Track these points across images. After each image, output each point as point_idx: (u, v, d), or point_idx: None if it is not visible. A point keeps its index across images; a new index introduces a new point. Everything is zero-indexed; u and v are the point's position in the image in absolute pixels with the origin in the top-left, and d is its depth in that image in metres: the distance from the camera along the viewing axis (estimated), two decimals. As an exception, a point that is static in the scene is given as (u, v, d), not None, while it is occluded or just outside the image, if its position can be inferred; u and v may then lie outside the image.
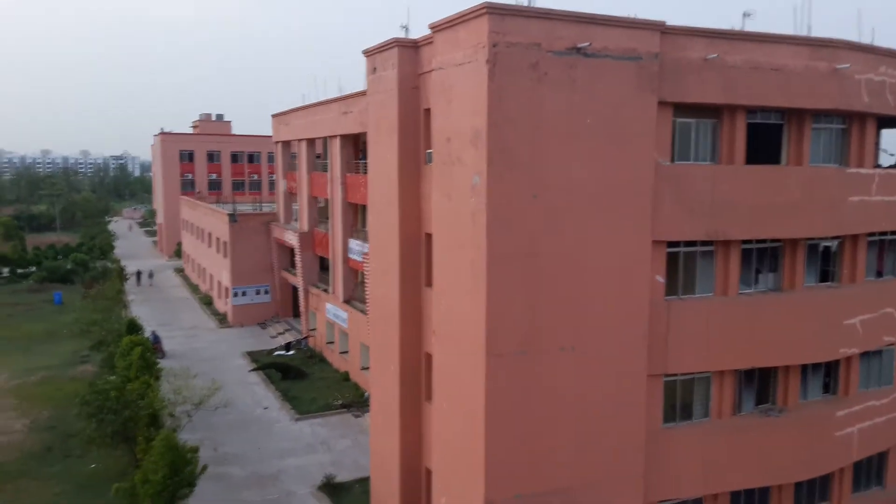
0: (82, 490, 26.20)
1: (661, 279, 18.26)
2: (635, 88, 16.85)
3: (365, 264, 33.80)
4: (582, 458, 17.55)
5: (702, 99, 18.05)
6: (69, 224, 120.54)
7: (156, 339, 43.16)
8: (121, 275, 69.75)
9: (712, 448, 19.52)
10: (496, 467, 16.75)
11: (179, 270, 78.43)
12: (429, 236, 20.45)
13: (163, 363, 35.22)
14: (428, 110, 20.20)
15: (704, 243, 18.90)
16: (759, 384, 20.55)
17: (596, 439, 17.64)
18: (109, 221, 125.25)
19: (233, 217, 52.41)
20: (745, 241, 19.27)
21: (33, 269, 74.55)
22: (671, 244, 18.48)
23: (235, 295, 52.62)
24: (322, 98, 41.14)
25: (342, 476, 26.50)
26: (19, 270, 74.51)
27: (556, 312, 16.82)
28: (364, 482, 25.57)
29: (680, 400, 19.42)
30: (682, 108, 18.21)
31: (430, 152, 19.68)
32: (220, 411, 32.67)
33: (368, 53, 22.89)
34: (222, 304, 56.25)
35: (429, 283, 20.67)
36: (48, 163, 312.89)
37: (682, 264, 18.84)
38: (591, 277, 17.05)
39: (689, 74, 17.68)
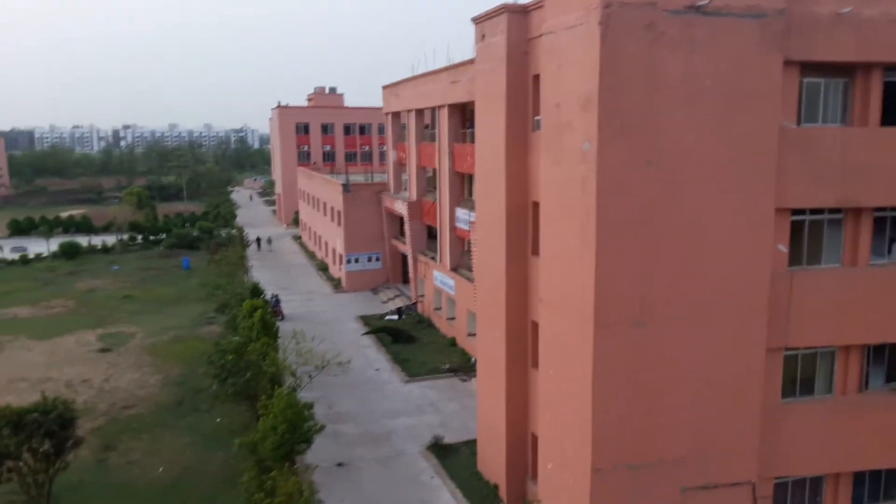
0: (208, 442, 28.22)
1: (783, 248, 17.34)
2: (759, 47, 15.91)
3: (471, 233, 34.09)
4: (694, 430, 17.13)
5: (833, 57, 16.82)
6: (195, 194, 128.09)
7: (276, 303, 45.44)
8: (242, 242, 73.74)
9: (835, 425, 18.51)
10: (604, 436, 16.66)
11: (297, 238, 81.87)
12: (536, 204, 20.33)
13: (281, 325, 37.03)
14: (537, 76, 19.94)
15: (832, 211, 17.74)
16: (890, 360, 19.23)
17: (709, 412, 17.15)
18: (231, 191, 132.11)
19: (346, 187, 54.03)
20: (877, 209, 17.94)
21: (164, 236, 79.96)
22: (796, 212, 17.47)
23: (349, 262, 54.46)
24: (431, 69, 41.43)
25: (450, 438, 27.14)
26: (151, 237, 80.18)
27: (670, 282, 16.36)
28: (471, 444, 26.09)
29: (801, 374, 18.49)
30: (809, 68, 17.04)
31: (539, 119, 19.47)
32: (334, 373, 34.13)
33: (477, 21, 22.79)
34: (336, 271, 58.38)
35: (535, 252, 20.60)
36: (175, 136, 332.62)
37: (806, 233, 17.79)
38: (707, 246, 16.43)
39: (819, 31, 16.49)
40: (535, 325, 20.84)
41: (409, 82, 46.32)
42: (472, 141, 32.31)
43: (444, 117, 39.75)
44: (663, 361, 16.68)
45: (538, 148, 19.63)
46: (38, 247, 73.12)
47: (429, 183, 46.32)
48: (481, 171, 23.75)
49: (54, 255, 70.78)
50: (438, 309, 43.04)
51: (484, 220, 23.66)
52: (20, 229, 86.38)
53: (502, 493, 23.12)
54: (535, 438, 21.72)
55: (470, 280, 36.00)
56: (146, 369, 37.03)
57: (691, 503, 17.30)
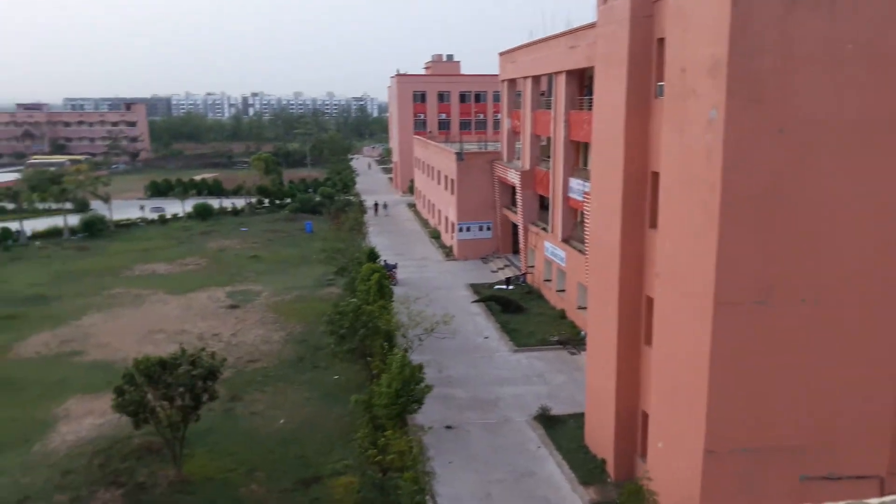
0: (326, 397, 29.59)
1: (930, 228, 15.90)
2: (913, 5, 14.48)
3: (585, 203, 33.40)
4: (818, 418, 16.23)
5: None
6: (318, 160, 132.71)
7: (390, 268, 46.64)
8: (361, 207, 75.99)
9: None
10: (719, 418, 16.09)
11: (411, 205, 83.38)
12: (655, 175, 19.63)
13: (396, 290, 37.99)
14: (661, 40, 19.10)
15: None
16: None
17: (837, 401, 16.17)
18: (351, 159, 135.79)
19: (460, 156, 54.27)
20: None
21: (288, 200, 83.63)
22: (947, 188, 15.93)
23: (461, 230, 54.93)
24: (549, 34, 40.57)
25: (557, 409, 27.09)
26: (277, 201, 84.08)
27: (799, 260, 15.43)
28: (578, 417, 25.94)
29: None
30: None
31: (662, 85, 18.69)
32: (445, 338, 34.77)
33: (599, -17, 22.02)
34: (448, 238, 59.07)
35: (653, 225, 19.94)
36: (300, 104, 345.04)
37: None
38: (843, 222, 15.33)
39: None
40: (650, 301, 20.27)
41: (526, 48, 45.61)
42: (590, 108, 31.53)
43: (560, 84, 38.95)
44: (787, 344, 15.83)
45: (660, 115, 18.89)
46: (175, 207, 78.44)
47: (542, 152, 45.71)
48: (598, 139, 23.16)
49: (189, 216, 75.74)
50: (548, 280, 42.71)
51: (599, 191, 23.13)
52: (158, 191, 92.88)
53: (609, 468, 22.90)
54: (645, 416, 21.29)
55: (582, 252, 35.42)
56: (270, 326, 39.15)
57: (810, 493, 16.45)
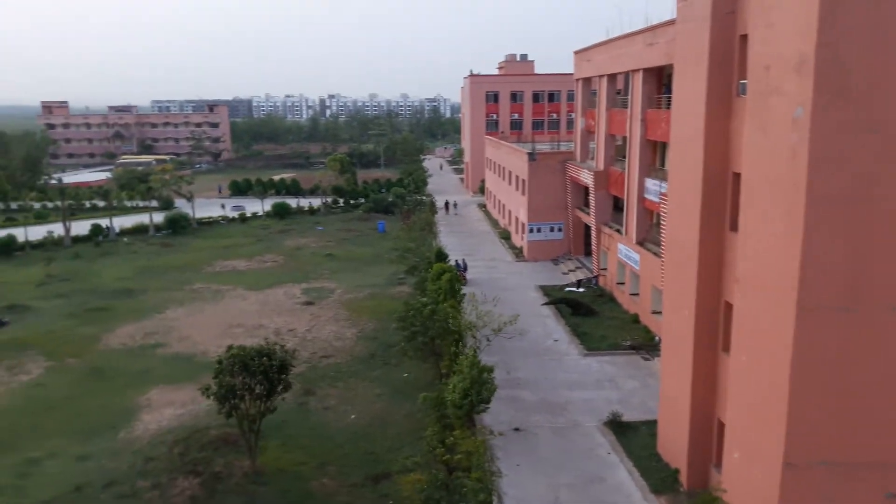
0: (396, 394, 29.89)
1: None
2: None
3: (662, 205, 32.56)
4: (910, 434, 15.30)
5: None
6: (391, 161, 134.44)
7: (459, 267, 46.75)
8: (432, 208, 76.52)
9: None
10: (799, 430, 15.40)
11: (482, 206, 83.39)
12: (736, 175, 18.95)
13: (465, 289, 38.02)
14: (744, 36, 18.43)
15: None
16: None
17: (931, 415, 15.21)
18: (423, 159, 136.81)
19: (531, 156, 53.90)
20: None
21: (362, 200, 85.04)
22: None
23: (531, 231, 54.54)
24: (626, 31, 39.80)
25: (629, 415, 26.52)
26: (351, 201, 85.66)
27: (889, 266, 14.60)
28: (651, 424, 25.32)
29: None
30: None
31: (744, 83, 18.04)
32: (513, 339, 34.58)
33: (679, -22, 21.43)
34: (518, 239, 58.76)
35: (733, 227, 19.26)
36: (374, 105, 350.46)
37: None
38: (939, 227, 14.41)
39: None
40: (729, 306, 19.59)
41: (602, 46, 44.88)
42: (668, 107, 30.77)
43: (637, 82, 38.14)
44: (875, 353, 15.01)
45: (742, 114, 18.23)
46: (254, 206, 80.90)
47: (617, 151, 44.88)
48: (677, 138, 22.54)
49: (267, 215, 77.99)
50: (621, 283, 41.88)
51: (677, 191, 22.52)
52: (239, 190, 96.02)
53: (682, 477, 22.25)
54: (721, 425, 20.58)
55: (657, 255, 34.57)
56: (343, 323, 39.86)
57: (902, 513, 15.57)
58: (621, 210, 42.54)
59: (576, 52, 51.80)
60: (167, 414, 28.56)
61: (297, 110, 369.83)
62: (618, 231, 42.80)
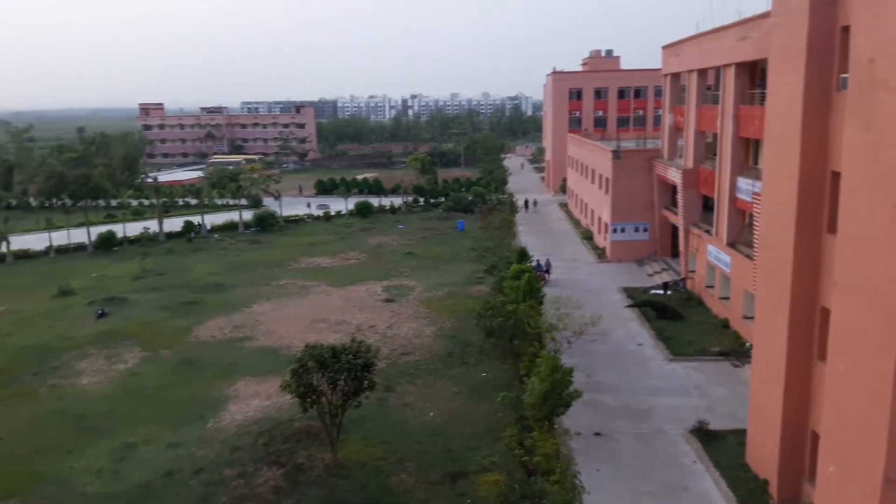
0: (474, 393, 29.84)
1: None
2: None
3: (755, 205, 31.20)
4: None
5: None
6: (471, 160, 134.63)
7: (539, 267, 46.23)
8: (512, 207, 76.08)
9: None
10: (905, 446, 14.38)
11: (563, 205, 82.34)
12: (836, 175, 17.91)
13: (545, 290, 37.58)
14: (846, 28, 17.40)
15: None
16: None
17: None
18: (504, 158, 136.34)
19: (616, 153, 52.77)
20: None
21: (442, 199, 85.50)
22: None
23: (614, 231, 53.40)
24: (718, 25, 38.39)
25: (716, 424, 25.55)
26: (431, 200, 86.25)
27: None
28: (739, 434, 24.31)
29: None
30: None
31: (845, 77, 17.00)
32: (594, 342, 33.94)
33: (776, -32, 20.44)
34: (601, 240, 57.66)
35: (831, 229, 18.23)
36: (455, 105, 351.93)
37: None
38: None
39: None
40: (825, 312, 18.55)
41: (692, 41, 43.45)
42: (762, 102, 29.47)
43: (729, 77, 36.71)
44: None
45: (842, 110, 17.21)
46: (338, 205, 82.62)
47: (707, 149, 43.35)
48: (772, 135, 21.53)
49: (350, 213, 79.55)
50: (710, 287, 40.42)
51: (771, 191, 21.50)
52: (324, 189, 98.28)
53: (772, 489, 21.26)
54: (815, 436, 19.53)
55: (749, 257, 33.17)
56: (422, 320, 40.15)
57: None
58: (711, 210, 41.08)
59: (664, 48, 50.37)
60: (253, 405, 29.51)
61: (380, 110, 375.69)
62: (707, 232, 41.34)
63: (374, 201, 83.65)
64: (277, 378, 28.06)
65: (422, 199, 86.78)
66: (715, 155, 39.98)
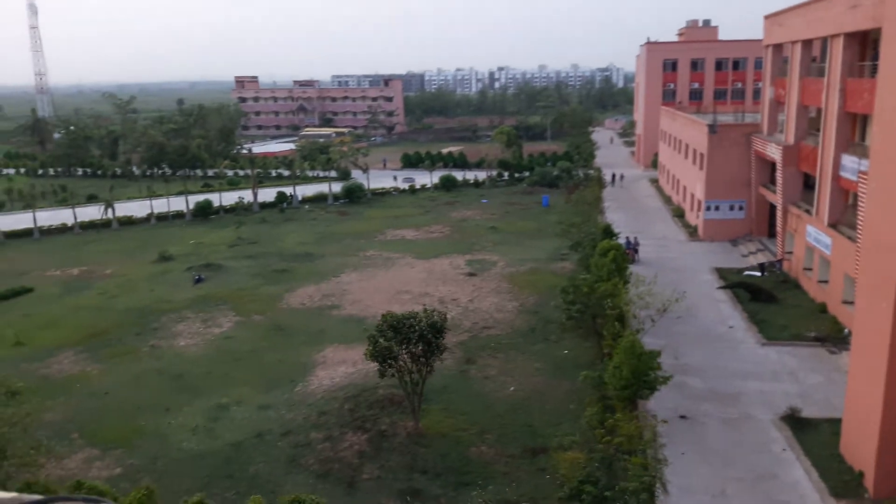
0: (556, 370, 29.70)
1: None
2: None
3: (860, 184, 29.33)
4: None
5: None
6: (558, 134, 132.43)
7: (628, 245, 45.19)
8: (600, 182, 74.56)
9: None
10: None
11: (654, 181, 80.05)
12: (957, 153, 16.62)
13: (633, 268, 36.79)
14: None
15: None
16: None
17: None
18: (592, 132, 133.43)
19: (712, 128, 50.69)
20: None
21: (527, 173, 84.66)
22: None
23: (708, 209, 51.54)
24: (827, -9, 36.06)
25: (808, 411, 24.52)
26: (516, 174, 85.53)
27: None
28: (834, 423, 23.25)
29: None
30: None
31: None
32: (682, 323, 33.09)
33: (896, -72, 18.96)
34: (693, 217, 55.79)
35: (949, 211, 16.97)
36: (543, 77, 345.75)
37: None
38: None
39: None
40: (938, 299, 17.37)
41: (797, 10, 40.99)
42: (872, 75, 27.62)
43: (837, 48, 34.50)
44: None
45: (968, 83, 15.89)
46: (423, 178, 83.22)
47: (810, 124, 41.05)
48: (883, 110, 20.16)
49: (435, 187, 79.99)
50: (808, 269, 38.51)
51: (881, 170, 20.19)
52: (410, 162, 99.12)
53: (868, 482, 20.29)
54: (921, 430, 18.45)
55: (852, 239, 31.35)
56: (504, 295, 40.15)
57: None
58: (812, 188, 39.01)
59: (766, 17, 47.77)
60: (340, 371, 30.42)
61: (466, 83, 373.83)
62: (807, 212, 39.32)
63: (459, 175, 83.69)
64: (363, 346, 28.65)
65: (506, 174, 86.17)
66: (818, 131, 37.81)
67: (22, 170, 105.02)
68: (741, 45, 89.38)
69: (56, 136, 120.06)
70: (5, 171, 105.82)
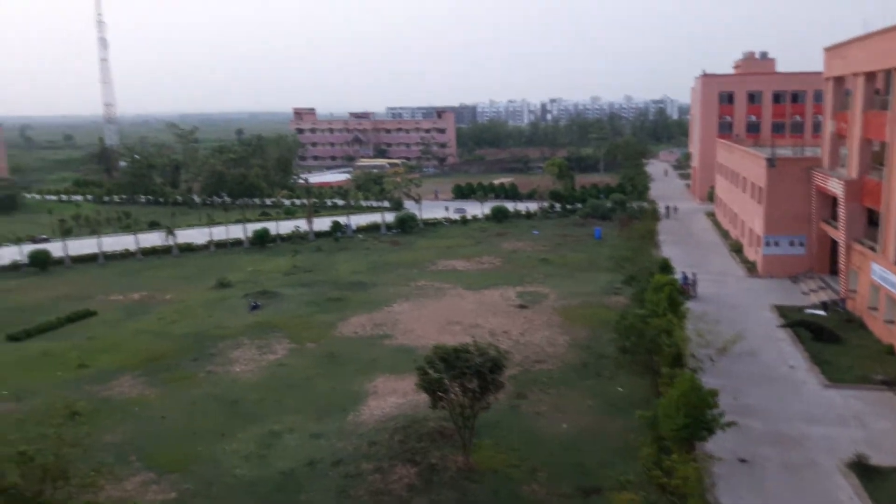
0: (609, 408, 29.13)
1: None
2: None
3: (932, 222, 28.32)
4: None
5: None
6: (611, 165, 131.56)
7: (684, 280, 44.33)
8: (654, 215, 73.55)
9: None
10: None
11: (710, 214, 78.60)
12: None
13: (689, 305, 36.02)
14: None
15: None
16: None
17: None
18: (646, 164, 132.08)
19: (771, 161, 49.66)
20: None
21: (579, 205, 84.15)
22: None
23: (767, 244, 50.27)
24: (890, 24, 35.22)
25: (877, 459, 23.42)
26: (568, 206, 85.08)
27: None
28: (906, 473, 22.17)
29: None
30: None
31: None
32: (742, 362, 32.15)
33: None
34: (752, 253, 54.47)
35: None
36: (596, 108, 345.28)
37: None
38: None
39: None
40: None
41: (860, 42, 40.14)
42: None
43: (905, 82, 33.57)
44: None
45: None
46: (474, 209, 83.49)
47: (874, 158, 39.87)
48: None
49: (486, 218, 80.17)
50: (874, 308, 37.09)
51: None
52: (461, 193, 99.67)
53: (946, 538, 19.20)
54: None
55: (923, 278, 30.15)
56: (556, 329, 39.73)
57: None
58: (876, 224, 37.75)
59: (827, 49, 46.90)
60: (390, 402, 30.45)
61: (518, 115, 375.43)
62: (872, 248, 38.01)
63: (510, 206, 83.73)
64: (413, 377, 28.72)
65: (558, 205, 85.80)
66: (882, 165, 36.71)
67: (89, 196, 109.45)
68: (800, 77, 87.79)
69: (122, 164, 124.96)
70: (74, 197, 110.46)
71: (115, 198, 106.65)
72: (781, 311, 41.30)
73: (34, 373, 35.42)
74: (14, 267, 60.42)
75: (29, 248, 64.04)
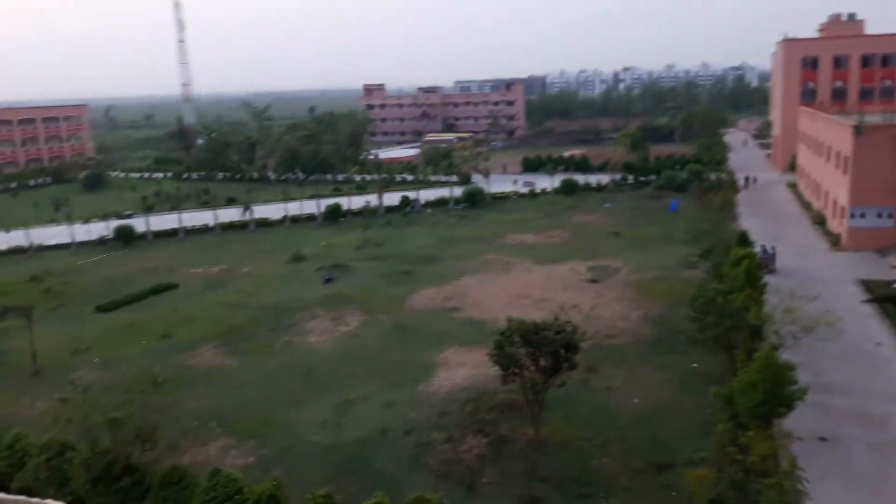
0: (683, 384, 28.58)
1: None
2: None
3: None
4: None
5: None
6: (687, 135, 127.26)
7: (764, 253, 42.76)
8: (733, 186, 70.97)
9: None
10: None
11: (791, 185, 75.35)
12: None
13: (769, 279, 34.75)
14: None
15: None
16: None
17: None
18: (724, 133, 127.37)
19: (858, 129, 47.08)
20: None
21: (653, 177, 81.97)
22: None
23: (853, 216, 47.89)
24: None
25: (973, 442, 22.22)
26: (641, 178, 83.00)
27: None
28: None
29: None
30: None
31: None
32: (823, 338, 30.76)
33: None
34: (836, 225, 52.03)
35: None
36: (671, 77, 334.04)
37: None
38: None
39: None
40: None
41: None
42: None
43: None
44: None
45: None
46: (543, 182, 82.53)
47: (978, 125, 37.24)
48: None
49: (556, 191, 79.13)
50: (973, 282, 34.93)
51: None
52: (530, 166, 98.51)
53: None
54: None
55: None
56: (628, 303, 39.10)
57: None
58: (977, 195, 35.36)
59: (925, 7, 43.82)
60: (460, 373, 30.75)
61: (590, 85, 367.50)
62: (970, 220, 35.69)
63: (581, 179, 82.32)
64: (482, 349, 28.89)
65: (631, 177, 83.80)
66: None
67: (169, 174, 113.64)
68: (891, 39, 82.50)
69: (199, 142, 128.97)
70: (155, 174, 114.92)
71: (194, 175, 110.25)
72: (867, 285, 39.41)
73: (121, 342, 37.33)
74: (101, 241, 63.53)
75: (114, 223, 67.14)
